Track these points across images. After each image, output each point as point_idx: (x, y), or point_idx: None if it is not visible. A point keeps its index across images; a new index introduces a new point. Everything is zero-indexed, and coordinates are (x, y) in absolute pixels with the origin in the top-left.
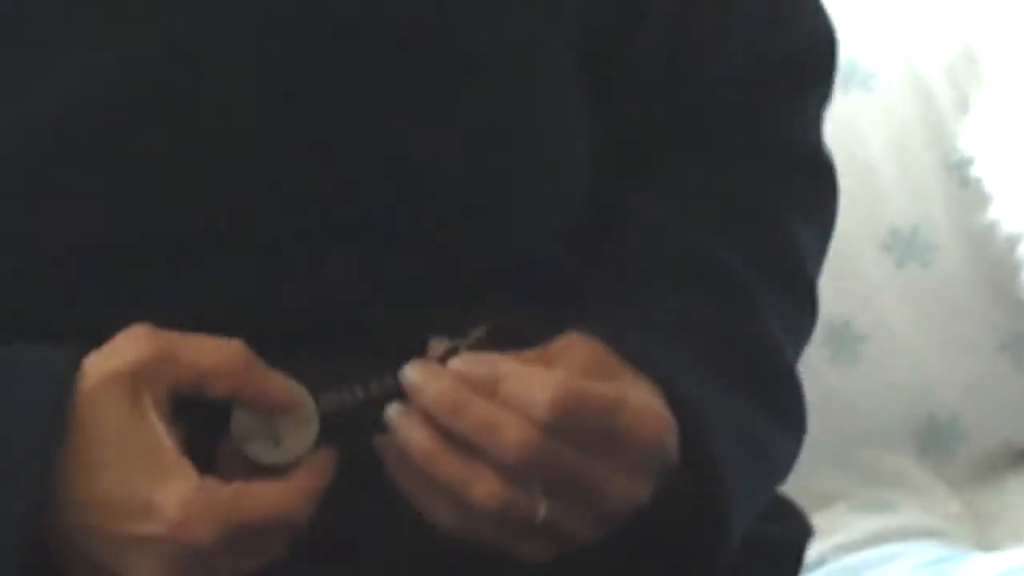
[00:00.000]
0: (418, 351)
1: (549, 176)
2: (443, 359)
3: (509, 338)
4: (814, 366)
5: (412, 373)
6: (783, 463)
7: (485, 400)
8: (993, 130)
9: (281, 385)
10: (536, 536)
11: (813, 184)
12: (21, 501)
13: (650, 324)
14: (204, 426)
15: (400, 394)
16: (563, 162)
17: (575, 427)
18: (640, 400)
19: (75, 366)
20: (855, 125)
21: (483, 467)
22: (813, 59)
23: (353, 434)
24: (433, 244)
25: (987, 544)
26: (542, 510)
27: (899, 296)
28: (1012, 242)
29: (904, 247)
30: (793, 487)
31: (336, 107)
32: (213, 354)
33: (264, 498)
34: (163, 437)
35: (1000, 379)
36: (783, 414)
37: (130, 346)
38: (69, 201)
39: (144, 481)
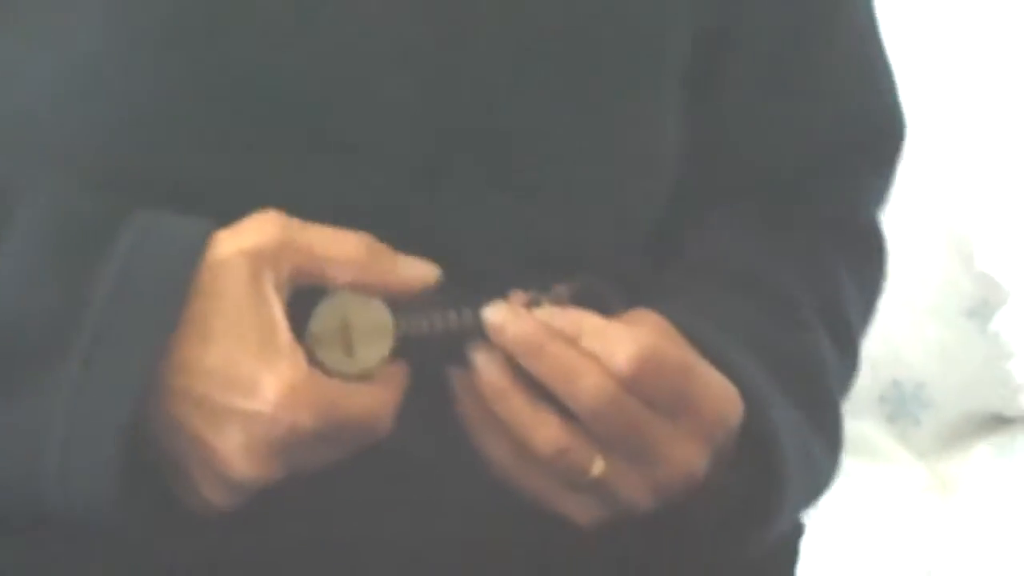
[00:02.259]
0: (499, 295)
1: (641, 168)
2: (525, 307)
3: (589, 303)
4: None
5: (496, 312)
6: (823, 480)
7: (566, 346)
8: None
9: (412, 267)
10: (587, 495)
11: (866, 258)
12: (138, 354)
13: (714, 320)
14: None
15: (478, 331)
16: (655, 160)
17: (650, 385)
18: (712, 372)
19: (206, 237)
20: None
21: (550, 413)
22: (886, 140)
23: (421, 359)
24: (528, 207)
25: (952, 512)
26: (599, 465)
27: None
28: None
29: None
30: None
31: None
32: (338, 242)
33: (363, 399)
34: (279, 318)
35: (967, 346)
36: (827, 437)
37: (259, 227)
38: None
39: (256, 358)
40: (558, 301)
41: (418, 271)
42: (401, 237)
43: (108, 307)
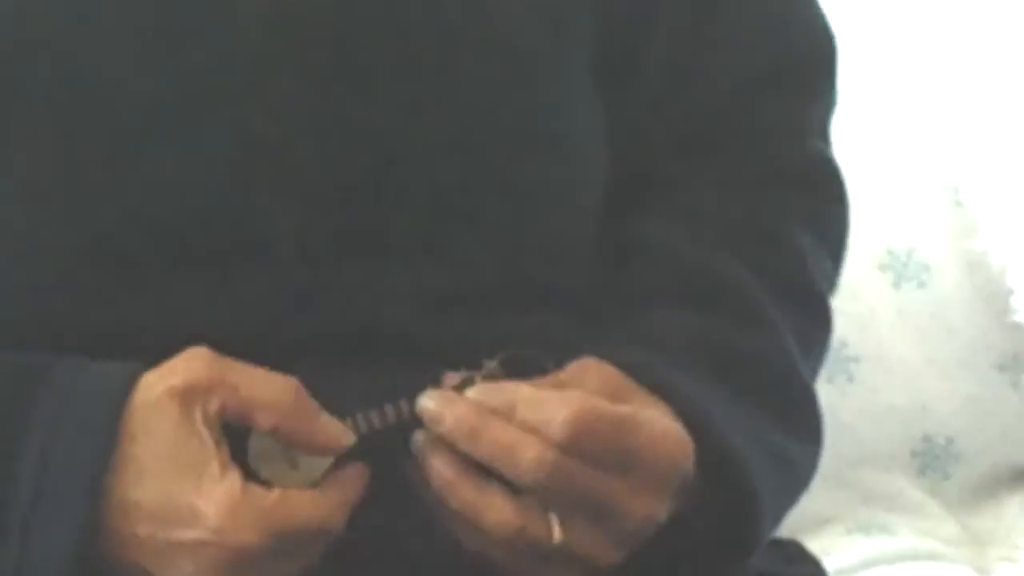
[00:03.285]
0: (447, 363)
1: (569, 184)
2: (458, 389)
3: (523, 369)
4: None
5: (429, 401)
6: (801, 476)
7: (502, 424)
8: (978, 159)
9: (325, 429)
10: (554, 560)
11: (818, 197)
12: (75, 508)
13: (663, 346)
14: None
15: (416, 421)
16: (581, 171)
17: (590, 447)
18: (655, 420)
19: (132, 381)
20: (850, 142)
21: (497, 494)
22: (811, 67)
23: (369, 458)
24: (459, 255)
25: (984, 566)
26: (557, 534)
27: (895, 317)
28: (1002, 270)
29: (900, 267)
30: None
31: (363, 110)
32: (265, 388)
33: (305, 505)
34: (210, 448)
35: (997, 400)
36: (798, 429)
37: (188, 366)
38: (99, 205)
39: (190, 488)
40: (490, 376)
41: (335, 432)
42: (312, 312)
43: (40, 465)
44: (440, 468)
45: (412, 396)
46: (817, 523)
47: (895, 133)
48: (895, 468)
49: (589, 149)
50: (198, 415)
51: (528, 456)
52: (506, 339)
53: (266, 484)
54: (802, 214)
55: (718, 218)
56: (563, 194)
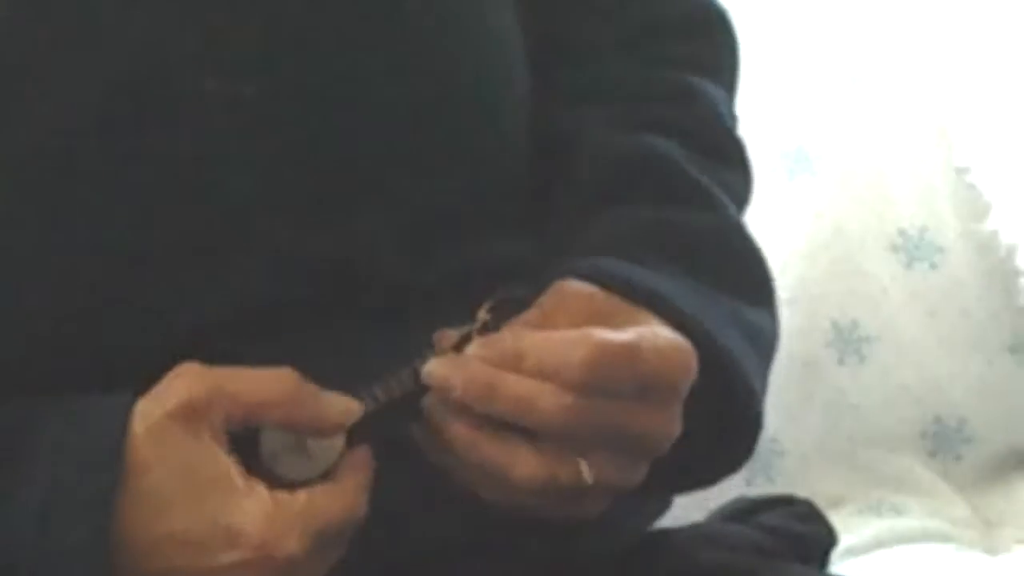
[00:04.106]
0: (431, 303)
1: (509, 92)
2: (458, 348)
3: (512, 313)
4: (821, 367)
5: (436, 368)
6: (771, 345)
7: (514, 377)
8: (989, 140)
9: (332, 406)
10: (586, 496)
11: (708, 40)
12: (84, 558)
13: (621, 246)
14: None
15: (421, 389)
16: (519, 83)
17: (606, 382)
18: (657, 336)
19: (128, 414)
20: (862, 122)
21: (521, 446)
22: None
23: (376, 432)
24: (419, 185)
25: (994, 548)
26: (587, 474)
27: (907, 297)
28: (1011, 251)
29: (912, 248)
30: (800, 489)
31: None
32: (264, 385)
33: (333, 500)
34: (228, 464)
35: (1008, 381)
36: (758, 296)
37: (182, 385)
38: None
39: (220, 509)
40: (484, 328)
41: (342, 407)
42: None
43: (42, 517)
44: (458, 430)
45: (414, 364)
46: (828, 503)
47: (907, 114)
48: (906, 449)
49: (515, 48)
50: (206, 433)
51: (547, 404)
52: (478, 268)
53: (283, 480)
54: (699, 61)
55: (625, 90)
56: (506, 106)
